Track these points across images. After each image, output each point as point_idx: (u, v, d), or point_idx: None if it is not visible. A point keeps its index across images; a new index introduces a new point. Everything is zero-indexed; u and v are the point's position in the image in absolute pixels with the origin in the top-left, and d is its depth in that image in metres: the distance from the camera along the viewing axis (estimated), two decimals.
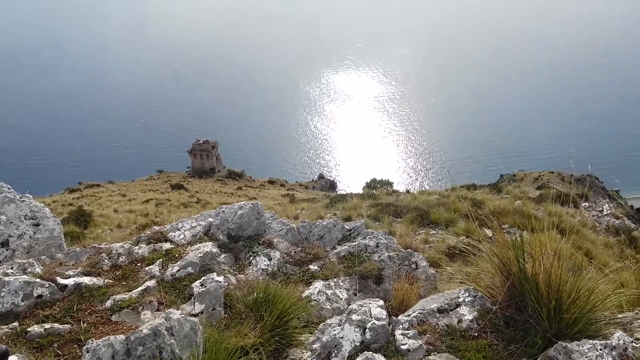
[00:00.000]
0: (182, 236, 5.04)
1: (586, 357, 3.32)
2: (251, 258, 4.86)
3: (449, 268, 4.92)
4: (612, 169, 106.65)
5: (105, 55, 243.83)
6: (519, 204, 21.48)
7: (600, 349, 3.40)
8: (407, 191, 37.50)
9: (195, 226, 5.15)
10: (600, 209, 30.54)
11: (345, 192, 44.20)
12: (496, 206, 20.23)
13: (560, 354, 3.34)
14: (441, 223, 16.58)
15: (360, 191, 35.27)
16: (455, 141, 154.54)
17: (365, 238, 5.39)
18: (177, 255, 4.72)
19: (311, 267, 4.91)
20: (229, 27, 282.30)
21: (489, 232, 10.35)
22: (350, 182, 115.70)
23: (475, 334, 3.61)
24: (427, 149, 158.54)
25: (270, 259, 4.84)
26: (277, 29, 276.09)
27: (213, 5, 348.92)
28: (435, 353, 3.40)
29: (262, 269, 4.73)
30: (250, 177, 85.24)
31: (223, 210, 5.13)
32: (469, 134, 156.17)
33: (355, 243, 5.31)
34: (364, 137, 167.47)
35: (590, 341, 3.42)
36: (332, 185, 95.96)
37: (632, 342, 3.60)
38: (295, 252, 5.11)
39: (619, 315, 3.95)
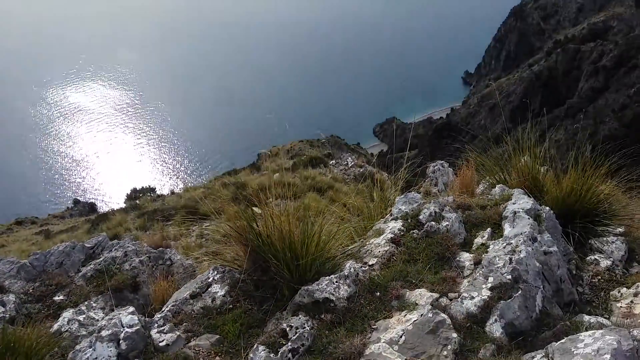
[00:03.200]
0: None
1: (326, 292, 3.72)
2: None
3: (195, 252, 5.01)
4: (347, 129, 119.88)
5: None
6: (277, 176, 22.86)
7: (337, 281, 3.84)
8: (172, 192, 36.68)
9: None
10: (346, 162, 33.90)
11: (107, 211, 41.20)
12: (258, 183, 21.24)
13: (304, 297, 3.69)
14: (212, 214, 16.78)
15: (123, 205, 33.37)
16: (207, 132, 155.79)
17: (111, 251, 5.14)
18: None
19: (56, 298, 4.49)
20: None
21: (257, 210, 10.86)
22: (111, 199, 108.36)
23: (231, 306, 3.77)
24: (181, 146, 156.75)
25: (4, 305, 4.28)
26: None
27: None
28: (195, 338, 3.45)
29: None
30: None
31: None
32: (218, 123, 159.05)
33: (101, 259, 5.03)
34: (113, 149, 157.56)
35: (327, 277, 3.85)
36: (92, 208, 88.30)
37: (361, 267, 4.16)
38: (33, 288, 4.60)
39: (349, 247, 4.50)
